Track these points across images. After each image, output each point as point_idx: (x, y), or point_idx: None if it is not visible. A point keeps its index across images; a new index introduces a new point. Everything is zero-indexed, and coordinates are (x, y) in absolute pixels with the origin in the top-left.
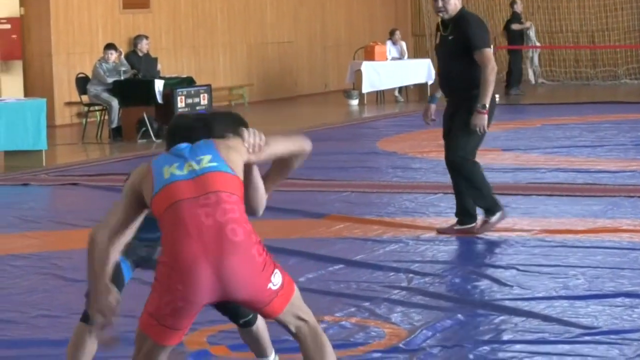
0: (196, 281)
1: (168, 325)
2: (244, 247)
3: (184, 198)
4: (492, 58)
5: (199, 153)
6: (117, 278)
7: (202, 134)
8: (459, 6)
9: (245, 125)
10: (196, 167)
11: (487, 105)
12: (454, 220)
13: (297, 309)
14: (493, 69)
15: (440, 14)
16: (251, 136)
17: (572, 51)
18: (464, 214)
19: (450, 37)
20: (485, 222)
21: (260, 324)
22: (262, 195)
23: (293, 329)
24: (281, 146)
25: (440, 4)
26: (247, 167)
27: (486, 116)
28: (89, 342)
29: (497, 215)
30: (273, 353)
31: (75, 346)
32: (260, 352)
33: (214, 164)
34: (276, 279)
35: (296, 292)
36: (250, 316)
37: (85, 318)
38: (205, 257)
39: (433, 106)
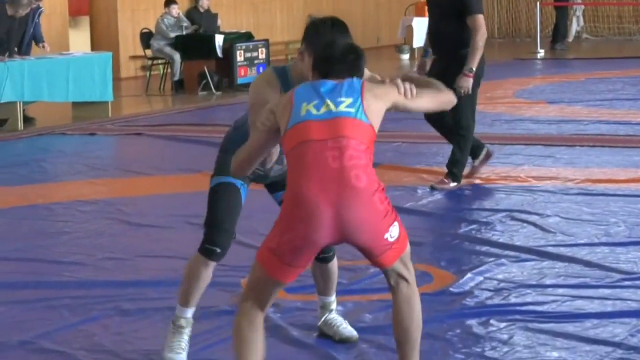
0: (317, 222)
1: (286, 262)
2: (367, 193)
3: (314, 139)
4: (484, 24)
5: (342, 94)
6: (236, 202)
7: (351, 68)
8: None
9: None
10: (333, 108)
11: (474, 69)
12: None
13: (403, 265)
14: (483, 35)
15: None
16: (405, 85)
17: (615, 7)
18: (471, 150)
19: None
20: (442, 181)
21: (334, 264)
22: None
23: (392, 282)
24: (426, 103)
25: None
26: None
27: (471, 79)
28: (204, 273)
29: (455, 184)
30: (334, 295)
31: (192, 275)
32: (325, 290)
33: (352, 109)
34: (394, 231)
35: (408, 248)
36: (330, 253)
37: (204, 251)
38: (328, 200)
39: (428, 61)
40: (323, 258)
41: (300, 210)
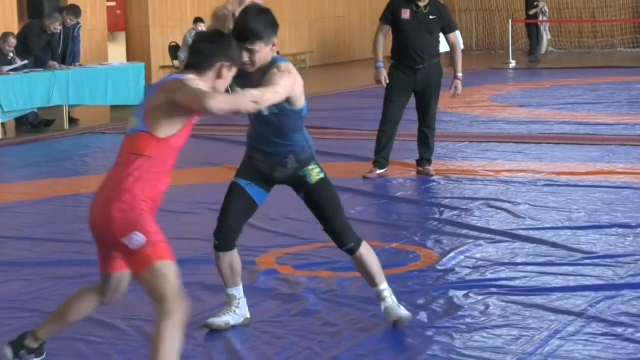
0: (89, 218)
1: (98, 253)
2: (109, 203)
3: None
4: None
5: (142, 106)
6: (236, 198)
7: (198, 60)
8: None
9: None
10: (130, 125)
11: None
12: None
13: (157, 286)
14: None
15: None
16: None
17: (576, 24)
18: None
19: (431, 17)
20: (430, 169)
21: (366, 255)
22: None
23: (153, 302)
24: (185, 97)
25: None
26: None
27: None
28: (217, 262)
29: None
30: (381, 285)
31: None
32: (370, 282)
33: (136, 124)
34: (135, 240)
35: (162, 268)
36: (350, 245)
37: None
38: (94, 201)
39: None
40: (348, 250)
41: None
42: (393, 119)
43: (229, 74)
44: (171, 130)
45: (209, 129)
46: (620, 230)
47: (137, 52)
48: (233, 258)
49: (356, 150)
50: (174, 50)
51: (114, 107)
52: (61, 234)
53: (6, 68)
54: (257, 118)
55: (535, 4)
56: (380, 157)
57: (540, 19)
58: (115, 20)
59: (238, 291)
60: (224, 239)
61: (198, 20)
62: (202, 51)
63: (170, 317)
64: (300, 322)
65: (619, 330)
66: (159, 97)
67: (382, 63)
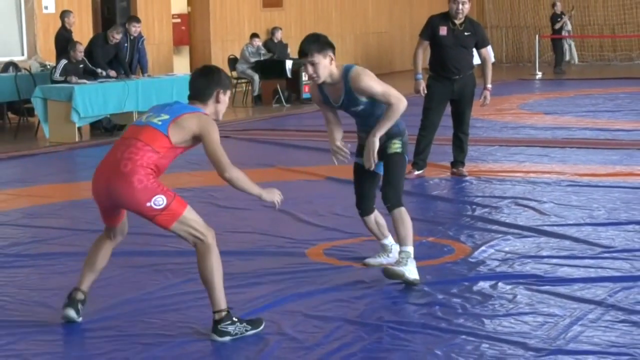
0: (95, 189)
1: (101, 212)
2: (127, 176)
3: (122, 137)
4: None
5: (166, 112)
6: (356, 175)
7: (198, 93)
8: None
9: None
10: (144, 119)
11: None
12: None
13: (189, 227)
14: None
15: (460, 16)
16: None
17: (597, 39)
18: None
19: (466, 33)
20: (463, 171)
21: (399, 219)
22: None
23: (191, 243)
24: (211, 157)
25: (460, 7)
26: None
27: None
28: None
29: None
30: (405, 246)
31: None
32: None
33: (159, 123)
34: (158, 202)
35: (187, 216)
36: (387, 204)
37: None
38: (102, 176)
39: (422, 82)
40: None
41: (93, 181)
42: (432, 125)
43: (225, 97)
44: (181, 143)
45: (262, 133)
46: (637, 227)
47: (199, 64)
48: (375, 218)
49: None
50: (232, 62)
51: None
52: (130, 227)
53: (74, 79)
54: (351, 113)
55: (559, 19)
56: (419, 159)
57: (563, 33)
58: (180, 35)
59: (388, 240)
60: (362, 207)
61: (254, 35)
62: (199, 85)
63: (210, 249)
64: (345, 309)
65: (636, 317)
66: (191, 125)
67: (421, 75)
